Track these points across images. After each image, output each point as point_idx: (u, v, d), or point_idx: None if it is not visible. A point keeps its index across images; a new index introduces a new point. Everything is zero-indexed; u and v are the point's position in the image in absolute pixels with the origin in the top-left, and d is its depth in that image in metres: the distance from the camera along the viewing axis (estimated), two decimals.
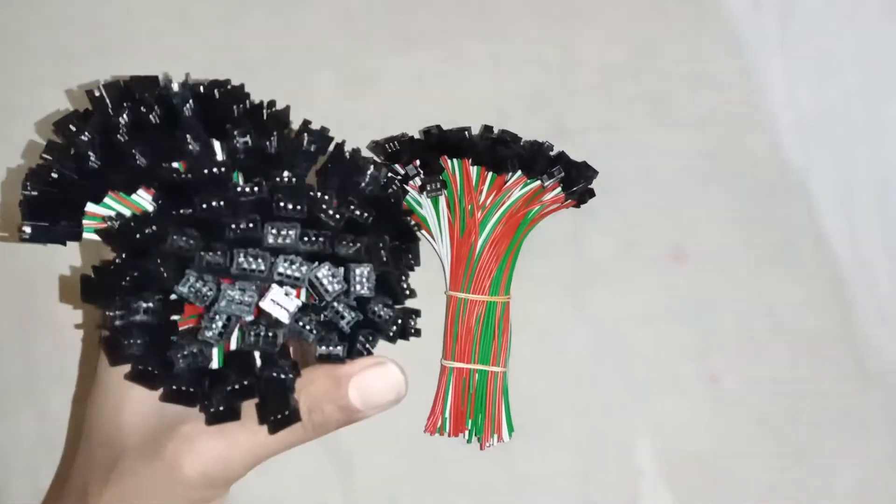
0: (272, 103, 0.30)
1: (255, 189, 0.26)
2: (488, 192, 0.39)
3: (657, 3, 0.42)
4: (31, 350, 0.39)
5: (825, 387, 0.37)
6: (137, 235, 0.26)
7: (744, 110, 0.40)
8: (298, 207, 0.27)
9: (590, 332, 0.39)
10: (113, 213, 0.28)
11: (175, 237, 0.26)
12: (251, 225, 0.26)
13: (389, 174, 0.30)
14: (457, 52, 0.42)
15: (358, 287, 0.27)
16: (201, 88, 0.29)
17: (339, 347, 0.27)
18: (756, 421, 0.37)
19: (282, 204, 0.27)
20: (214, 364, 0.27)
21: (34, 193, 0.28)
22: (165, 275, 0.25)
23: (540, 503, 0.37)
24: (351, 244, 0.27)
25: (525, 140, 0.40)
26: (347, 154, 0.29)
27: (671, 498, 0.36)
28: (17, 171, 0.39)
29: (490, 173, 0.39)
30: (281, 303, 0.26)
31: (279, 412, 0.27)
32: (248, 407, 0.27)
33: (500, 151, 0.39)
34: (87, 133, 0.28)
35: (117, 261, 0.27)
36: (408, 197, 0.39)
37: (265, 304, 0.26)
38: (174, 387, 0.26)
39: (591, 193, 0.39)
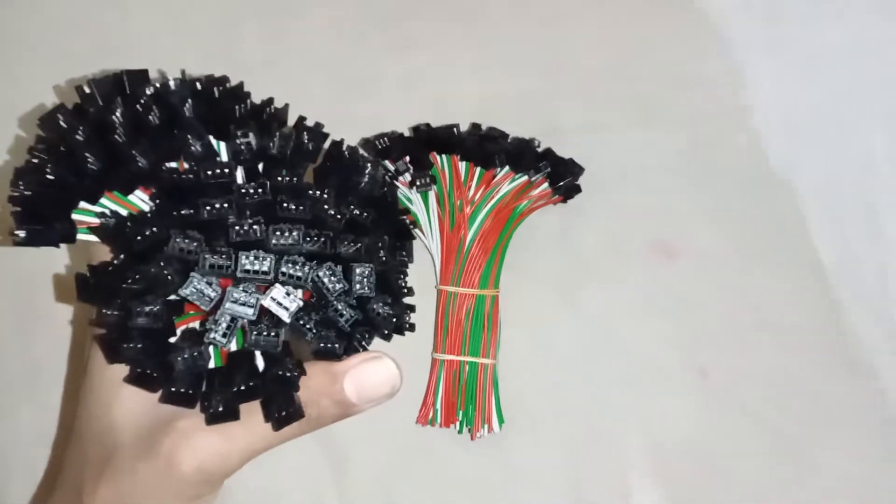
0: (270, 101, 0.29)
1: (260, 191, 0.26)
2: (477, 187, 0.39)
3: (642, 6, 0.42)
4: (31, 348, 0.38)
5: (811, 380, 0.37)
6: (138, 237, 0.25)
7: (729, 109, 0.41)
8: (301, 208, 0.26)
9: (578, 326, 0.39)
10: (107, 212, 0.27)
11: (178, 240, 0.25)
12: (255, 227, 0.25)
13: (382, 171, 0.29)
14: (446, 56, 0.41)
15: (358, 286, 0.27)
16: (198, 85, 0.28)
17: (336, 345, 0.27)
18: (743, 414, 0.37)
19: (285, 205, 0.26)
20: (211, 364, 0.27)
21: (27, 193, 0.27)
22: (170, 278, 0.25)
23: (530, 492, 0.37)
24: (351, 244, 0.27)
25: (512, 137, 0.39)
26: (346, 152, 0.28)
27: (660, 489, 0.36)
28: (3, 168, 0.38)
29: (478, 169, 0.39)
30: (282, 302, 0.26)
31: (284, 409, 0.26)
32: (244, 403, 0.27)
33: (487, 147, 0.38)
34: (81, 131, 0.27)
35: (115, 261, 0.26)
36: (398, 193, 0.38)
37: (267, 304, 0.26)
38: (173, 389, 0.26)
39: (578, 189, 0.39)
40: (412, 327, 0.29)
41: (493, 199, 0.38)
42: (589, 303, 0.39)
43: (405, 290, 0.29)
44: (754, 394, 0.37)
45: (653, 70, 0.41)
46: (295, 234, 0.26)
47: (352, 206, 0.27)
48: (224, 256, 0.25)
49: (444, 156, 0.39)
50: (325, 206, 0.26)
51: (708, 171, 0.40)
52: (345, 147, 0.28)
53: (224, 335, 0.25)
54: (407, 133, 0.40)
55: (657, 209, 0.39)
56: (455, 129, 0.39)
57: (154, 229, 0.26)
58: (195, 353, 0.25)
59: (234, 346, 0.27)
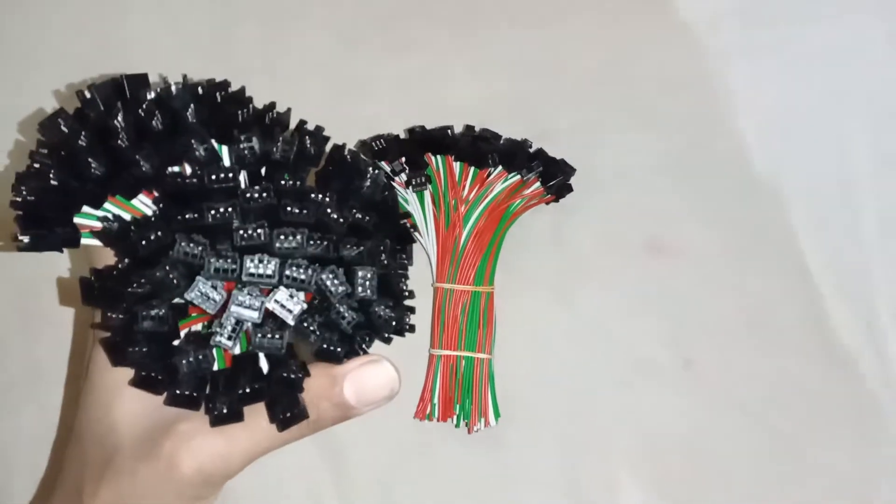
0: (273, 106, 0.29)
1: (264, 195, 0.25)
2: (471, 186, 0.39)
3: (629, 14, 0.42)
4: (34, 349, 0.37)
5: (795, 372, 0.38)
6: (143, 241, 0.25)
7: (713, 111, 0.41)
8: (305, 212, 0.26)
9: (571, 321, 0.39)
10: (109, 216, 0.27)
11: (183, 244, 0.25)
12: (259, 231, 0.25)
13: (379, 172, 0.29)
14: (440, 60, 0.41)
15: (361, 289, 0.26)
16: (200, 89, 0.28)
17: (338, 349, 0.26)
18: (731, 406, 0.37)
19: (289, 209, 0.26)
20: (215, 367, 0.26)
21: (30, 198, 0.26)
22: (175, 282, 0.24)
23: (526, 484, 0.37)
24: (354, 248, 0.26)
25: (505, 138, 0.39)
26: (348, 156, 0.28)
27: (651, 479, 0.37)
28: (4, 173, 0.37)
29: (472, 168, 0.38)
30: (286, 305, 0.26)
31: (288, 410, 0.26)
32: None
33: (481, 147, 0.38)
34: (83, 136, 0.26)
35: (120, 266, 0.26)
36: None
37: (271, 307, 0.25)
38: (178, 391, 0.26)
39: (570, 188, 0.39)
40: (412, 328, 0.28)
41: (487, 199, 0.38)
42: (581, 299, 0.39)
43: (406, 293, 0.29)
44: (740, 386, 0.37)
45: (642, 74, 0.41)
46: (299, 237, 0.25)
47: (354, 210, 0.27)
48: (229, 260, 0.25)
49: (438, 156, 0.38)
50: (328, 210, 0.26)
51: (696, 171, 0.40)
52: (346, 151, 0.28)
53: (230, 338, 0.25)
54: (402, 135, 0.40)
55: (647, 209, 0.40)
56: (449, 131, 0.39)
57: (159, 233, 0.25)
58: (200, 356, 0.25)
59: (238, 349, 0.26)
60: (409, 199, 0.38)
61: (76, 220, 0.27)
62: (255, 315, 0.25)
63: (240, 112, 0.27)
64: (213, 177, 0.25)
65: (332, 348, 0.26)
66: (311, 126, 0.28)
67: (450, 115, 0.39)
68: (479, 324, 0.38)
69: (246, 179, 0.27)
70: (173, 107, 0.27)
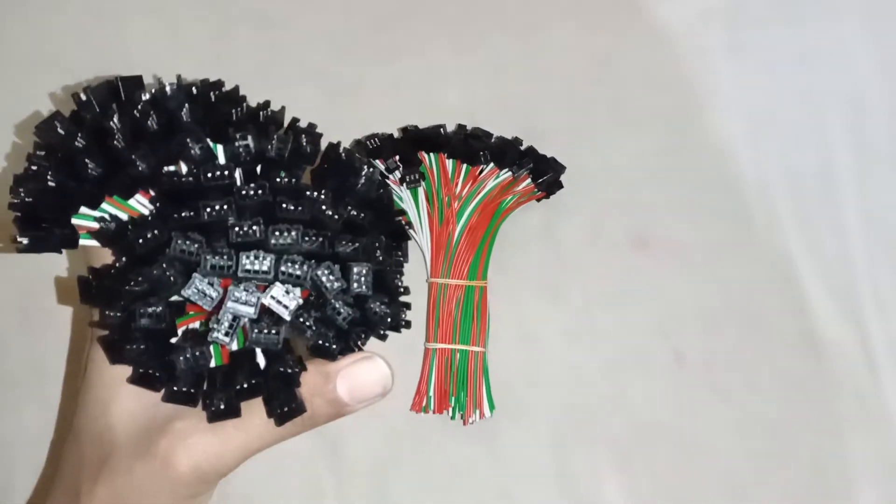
0: (267, 104, 0.28)
1: (259, 192, 0.25)
2: (463, 183, 0.38)
3: (614, 16, 0.42)
4: (35, 347, 0.37)
5: (779, 360, 0.38)
6: (140, 240, 0.25)
7: (696, 109, 0.41)
8: (300, 209, 0.25)
9: (562, 314, 0.38)
10: (106, 216, 0.26)
11: (179, 241, 0.24)
12: (255, 227, 0.25)
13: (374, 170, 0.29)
14: (431, 64, 0.41)
15: (356, 285, 0.26)
16: (194, 89, 0.27)
17: (334, 346, 0.26)
18: (718, 396, 0.37)
19: (284, 206, 0.25)
20: (212, 363, 0.26)
21: (27, 200, 0.26)
22: (172, 280, 0.24)
23: (520, 475, 0.37)
24: (349, 244, 0.26)
25: (496, 137, 0.39)
26: (343, 155, 0.28)
27: (641, 468, 0.36)
28: (1, 175, 0.36)
29: (464, 166, 0.38)
30: (282, 301, 0.25)
31: (286, 405, 0.26)
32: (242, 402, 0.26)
33: (472, 145, 0.38)
34: (80, 137, 0.26)
35: (117, 264, 0.26)
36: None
37: (267, 303, 0.25)
38: (176, 388, 0.25)
39: (560, 185, 0.39)
40: (408, 324, 0.28)
41: (480, 195, 0.38)
42: (572, 293, 0.39)
43: (401, 289, 0.28)
44: (725, 374, 0.37)
45: (627, 74, 0.41)
46: (294, 234, 0.25)
47: (349, 207, 0.26)
48: (225, 257, 0.25)
49: (431, 154, 0.38)
50: (323, 207, 0.26)
51: (682, 168, 0.40)
52: (341, 149, 0.28)
53: (227, 334, 0.25)
54: (396, 134, 0.40)
55: (634, 205, 0.39)
56: (442, 129, 0.39)
57: (155, 232, 0.25)
58: (197, 353, 0.25)
59: (235, 346, 0.26)
60: (403, 197, 0.38)
61: (74, 220, 0.26)
62: (251, 311, 0.25)
63: (234, 111, 0.26)
64: (209, 175, 0.25)
65: (326, 344, 0.26)
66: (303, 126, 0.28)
67: (441, 116, 0.39)
68: (473, 318, 0.37)
69: (241, 177, 0.26)
70: (168, 107, 0.26)
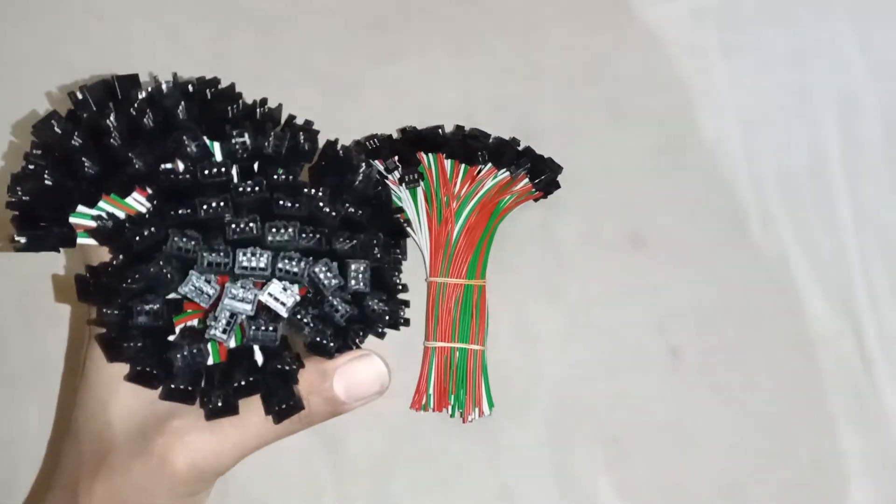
0: (264, 101, 0.27)
1: (256, 189, 0.24)
2: (462, 183, 0.38)
3: (610, 17, 0.41)
4: (38, 344, 0.36)
5: (775, 356, 0.37)
6: (137, 238, 0.24)
7: (691, 109, 0.40)
8: (297, 206, 0.25)
9: (560, 312, 0.38)
10: (103, 214, 0.26)
11: (176, 239, 0.24)
12: (251, 224, 0.24)
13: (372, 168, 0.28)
14: (430, 65, 0.41)
15: (353, 282, 0.25)
16: (190, 87, 0.26)
17: (331, 344, 0.25)
18: (714, 392, 0.37)
19: (281, 202, 0.25)
20: (210, 361, 0.25)
21: (25, 199, 0.25)
22: (169, 277, 0.23)
23: (519, 472, 0.36)
24: (347, 241, 0.25)
25: (494, 137, 0.38)
26: (340, 152, 0.27)
27: (640, 465, 0.36)
28: None
29: (463, 166, 0.38)
30: (279, 297, 0.24)
31: (284, 402, 0.25)
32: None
33: (471, 145, 0.37)
34: (77, 136, 0.25)
35: (114, 262, 0.25)
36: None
37: (265, 299, 0.24)
38: (173, 386, 0.24)
39: (557, 185, 0.38)
40: (407, 322, 0.27)
41: (478, 195, 0.37)
42: (568, 291, 0.38)
43: (399, 287, 0.28)
44: (722, 371, 0.37)
45: (621, 75, 0.41)
46: (291, 230, 0.24)
47: (346, 204, 0.26)
48: (222, 254, 0.24)
49: (430, 154, 0.38)
50: (321, 204, 0.25)
51: (675, 167, 0.39)
52: (339, 147, 0.27)
53: (224, 331, 0.24)
54: (395, 135, 0.39)
55: (629, 203, 0.39)
56: (440, 130, 0.38)
57: (152, 229, 0.24)
58: (194, 350, 0.24)
59: (232, 343, 0.25)
60: (402, 197, 0.37)
61: (72, 219, 0.26)
62: (248, 308, 0.24)
63: (230, 108, 0.26)
64: (206, 172, 0.24)
65: (324, 342, 0.25)
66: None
67: (439, 117, 0.39)
68: (472, 316, 0.37)
69: (238, 174, 0.26)
70: (164, 105, 0.25)
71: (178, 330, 0.25)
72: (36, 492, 0.34)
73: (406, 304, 0.28)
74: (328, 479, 0.36)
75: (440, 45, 0.41)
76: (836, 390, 0.37)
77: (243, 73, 0.39)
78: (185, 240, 0.24)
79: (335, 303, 0.25)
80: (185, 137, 0.25)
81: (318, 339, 0.25)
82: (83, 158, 0.25)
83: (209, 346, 0.25)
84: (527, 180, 0.38)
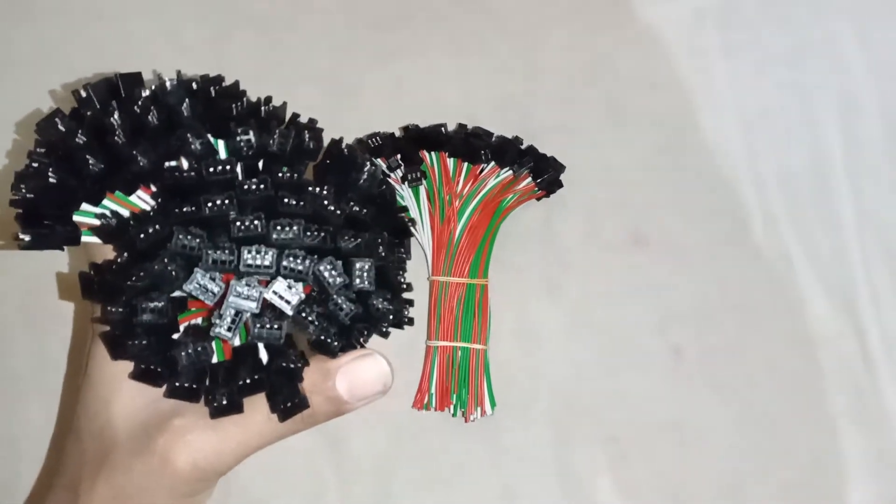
0: (269, 99, 0.27)
1: (261, 186, 0.24)
2: (464, 181, 0.37)
3: (610, 17, 0.41)
4: (41, 342, 0.36)
5: (776, 356, 0.37)
6: (141, 235, 0.24)
7: (692, 108, 0.40)
8: (302, 204, 0.24)
9: (562, 311, 0.37)
10: (107, 212, 0.25)
11: (181, 236, 0.23)
12: (256, 222, 0.24)
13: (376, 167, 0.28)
14: (432, 64, 0.41)
15: (358, 281, 0.25)
16: (194, 85, 0.26)
17: (335, 343, 0.25)
18: (716, 391, 0.36)
19: (286, 200, 0.24)
20: (214, 359, 0.25)
21: (29, 197, 0.25)
22: (174, 275, 0.23)
23: (521, 471, 0.36)
24: (351, 239, 0.25)
25: (496, 136, 0.38)
26: (345, 150, 0.27)
27: (641, 463, 0.36)
28: (2, 172, 0.36)
29: (465, 164, 0.37)
30: (284, 295, 0.24)
31: (289, 400, 0.25)
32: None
33: (473, 143, 0.37)
34: (81, 135, 0.25)
35: (119, 260, 0.25)
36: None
37: (269, 297, 0.24)
38: (178, 384, 0.24)
39: (559, 184, 0.38)
40: (411, 321, 0.27)
41: (481, 193, 0.37)
42: (571, 290, 0.38)
43: (404, 286, 0.27)
44: (724, 369, 0.37)
45: (622, 74, 0.41)
46: (295, 228, 0.24)
47: (351, 203, 0.26)
48: (227, 252, 0.24)
49: (432, 153, 0.37)
50: (325, 202, 0.25)
51: (676, 167, 0.39)
52: (343, 145, 0.27)
53: (229, 329, 0.24)
54: (397, 133, 0.39)
55: (631, 202, 0.39)
56: (443, 128, 0.38)
57: (157, 227, 0.24)
58: (199, 348, 0.24)
59: (237, 341, 0.25)
60: (404, 195, 0.37)
61: (75, 217, 0.25)
62: (253, 305, 0.24)
63: (234, 106, 0.26)
64: (210, 169, 0.24)
65: (328, 340, 0.25)
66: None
67: (442, 116, 0.39)
68: (475, 315, 0.36)
69: (242, 172, 0.25)
70: (168, 102, 0.25)
71: (182, 328, 0.25)
72: (38, 490, 0.34)
73: (410, 303, 0.28)
74: (331, 479, 0.35)
75: (440, 45, 0.41)
76: (837, 390, 0.36)
77: (244, 73, 0.38)
78: (189, 237, 0.24)
79: (340, 301, 0.25)
80: (189, 135, 0.24)
81: (322, 337, 0.25)
82: (87, 156, 0.25)
83: (214, 343, 0.24)
84: (529, 179, 0.38)
